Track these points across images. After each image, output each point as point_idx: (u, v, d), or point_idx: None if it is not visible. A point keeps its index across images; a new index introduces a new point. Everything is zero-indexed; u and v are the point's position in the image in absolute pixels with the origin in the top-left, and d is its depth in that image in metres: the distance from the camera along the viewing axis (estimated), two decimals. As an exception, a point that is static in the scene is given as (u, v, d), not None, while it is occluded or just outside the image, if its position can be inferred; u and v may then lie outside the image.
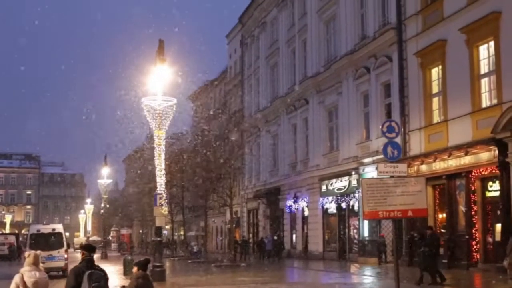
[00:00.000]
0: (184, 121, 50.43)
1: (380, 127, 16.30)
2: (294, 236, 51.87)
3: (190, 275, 33.62)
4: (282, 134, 54.60)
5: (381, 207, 14.51)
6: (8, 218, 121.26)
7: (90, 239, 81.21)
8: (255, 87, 62.40)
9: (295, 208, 50.16)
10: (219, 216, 69.22)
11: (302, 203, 48.69)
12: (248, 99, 62.40)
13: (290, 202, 50.76)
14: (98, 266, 10.45)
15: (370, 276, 29.40)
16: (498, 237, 26.51)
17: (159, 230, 29.60)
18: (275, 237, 50.07)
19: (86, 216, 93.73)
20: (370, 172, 35.86)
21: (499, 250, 25.16)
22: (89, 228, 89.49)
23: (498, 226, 26.46)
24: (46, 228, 35.79)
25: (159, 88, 27.13)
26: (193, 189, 52.86)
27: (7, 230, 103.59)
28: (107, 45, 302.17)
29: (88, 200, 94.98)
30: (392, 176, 15.00)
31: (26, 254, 10.66)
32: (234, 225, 54.24)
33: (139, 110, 30.78)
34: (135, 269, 11.42)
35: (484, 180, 28.74)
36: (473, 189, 29.02)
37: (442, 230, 31.21)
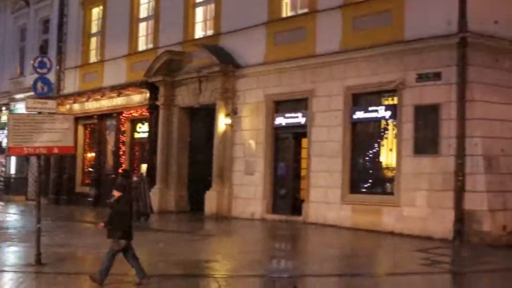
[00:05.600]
0: None
1: (32, 62, 15.77)
2: None
3: None
4: None
5: (26, 143, 14.10)
6: None
7: None
8: None
9: None
10: None
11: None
12: None
13: None
14: None
15: (14, 214, 28.62)
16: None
17: None
18: None
19: None
20: (22, 109, 34.46)
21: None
22: None
23: (144, 166, 27.53)
24: None
25: None
26: None
27: None
28: None
29: None
30: (40, 112, 14.66)
31: None
32: None
33: None
34: None
35: (134, 122, 29.65)
36: (122, 129, 29.79)
37: (90, 169, 31.62)
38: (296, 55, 21.66)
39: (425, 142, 18.16)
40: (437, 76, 17.92)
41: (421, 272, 13.66)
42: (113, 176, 28.60)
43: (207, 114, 25.09)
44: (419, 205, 18.13)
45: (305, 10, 22.15)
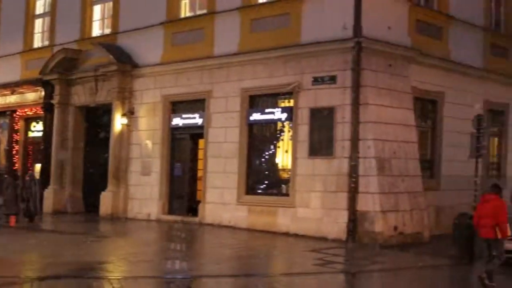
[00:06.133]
0: None
1: None
2: None
3: None
4: None
5: None
6: None
7: None
8: None
9: None
10: None
11: None
12: None
13: None
14: None
15: None
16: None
17: None
18: None
19: None
20: None
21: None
22: None
23: (38, 166, 26.77)
24: None
25: None
26: None
27: None
28: None
29: None
30: None
31: None
32: None
33: None
34: None
35: (28, 120, 28.85)
36: (16, 128, 28.95)
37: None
38: (194, 56, 21.60)
39: (320, 144, 18.48)
40: (332, 79, 18.27)
41: (314, 272, 13.90)
42: (6, 176, 27.71)
43: (104, 114, 24.69)
44: (314, 206, 18.42)
45: (204, 11, 22.13)
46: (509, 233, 13.42)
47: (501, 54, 23.81)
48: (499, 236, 13.05)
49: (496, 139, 24.17)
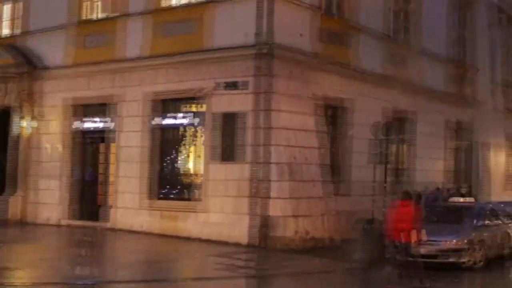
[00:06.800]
0: None
1: None
2: None
3: None
4: None
5: None
6: None
7: None
8: None
9: None
10: None
11: None
12: None
13: None
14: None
15: None
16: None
17: None
18: None
19: None
20: None
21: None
22: None
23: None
24: None
25: None
26: None
27: None
28: None
29: None
30: None
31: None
32: None
33: None
34: None
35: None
36: None
37: None
38: (105, 59, 21.34)
39: (230, 150, 18.58)
40: (242, 85, 18.39)
41: (220, 276, 14.02)
42: None
43: (7, 116, 24.00)
44: (224, 211, 18.52)
45: (117, 14, 21.88)
46: (424, 238, 13.96)
47: (402, 62, 24.46)
48: (412, 240, 13.53)
49: (404, 146, 24.84)
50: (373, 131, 18.87)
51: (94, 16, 22.77)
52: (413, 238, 13.58)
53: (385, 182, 18.50)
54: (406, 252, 13.59)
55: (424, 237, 13.87)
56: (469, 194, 25.11)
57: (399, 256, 13.61)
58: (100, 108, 21.97)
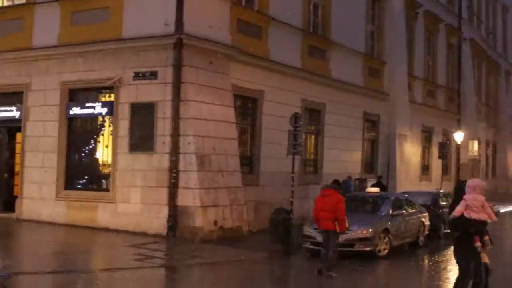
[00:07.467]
0: None
1: None
2: None
3: None
4: None
5: None
6: None
7: None
8: None
9: None
10: None
11: None
12: None
13: None
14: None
15: None
16: None
17: None
18: None
19: None
20: None
21: None
22: None
23: None
24: None
25: None
26: None
27: None
28: None
29: None
30: None
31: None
32: None
33: None
34: None
35: None
36: None
37: None
38: (11, 47, 20.83)
39: (140, 140, 18.47)
40: (153, 75, 18.29)
41: (134, 267, 13.99)
42: None
43: None
44: (134, 202, 18.42)
45: (23, 1, 21.37)
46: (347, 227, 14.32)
47: (317, 55, 24.90)
48: (338, 229, 13.89)
49: (313, 136, 25.24)
50: (292, 122, 19.05)
51: (1, 3, 22.17)
52: (346, 226, 14.07)
53: (293, 172, 18.70)
54: (332, 241, 13.98)
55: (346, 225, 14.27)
56: (385, 185, 25.66)
57: (332, 244, 13.93)
58: (6, 97, 21.45)
